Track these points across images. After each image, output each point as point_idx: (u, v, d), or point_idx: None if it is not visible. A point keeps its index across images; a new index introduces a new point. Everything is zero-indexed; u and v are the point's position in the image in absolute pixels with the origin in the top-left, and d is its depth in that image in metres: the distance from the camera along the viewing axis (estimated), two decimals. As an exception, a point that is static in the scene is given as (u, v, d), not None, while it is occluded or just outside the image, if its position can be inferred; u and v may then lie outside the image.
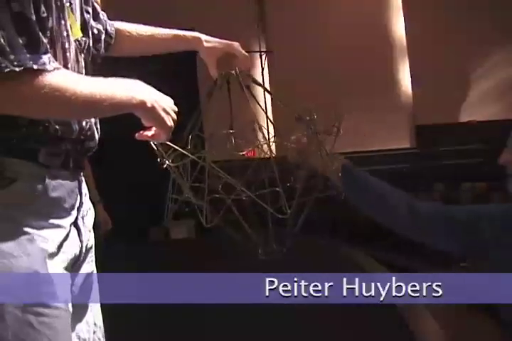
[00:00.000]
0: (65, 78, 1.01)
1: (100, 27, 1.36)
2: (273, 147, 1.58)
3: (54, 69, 0.99)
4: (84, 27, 1.29)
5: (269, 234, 1.35)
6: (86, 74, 1.23)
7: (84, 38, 1.22)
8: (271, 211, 1.27)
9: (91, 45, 1.31)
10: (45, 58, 0.99)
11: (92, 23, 1.34)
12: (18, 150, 1.06)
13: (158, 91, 1.15)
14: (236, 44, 1.50)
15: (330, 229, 5.86)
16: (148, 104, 1.10)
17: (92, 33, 1.33)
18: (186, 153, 1.25)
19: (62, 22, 1.08)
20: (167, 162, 1.24)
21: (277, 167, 1.43)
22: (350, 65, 7.01)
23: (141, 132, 1.18)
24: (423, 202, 1.52)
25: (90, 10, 1.32)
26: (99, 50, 1.37)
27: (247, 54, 1.50)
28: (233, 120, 1.39)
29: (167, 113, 1.14)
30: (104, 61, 1.43)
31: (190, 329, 2.67)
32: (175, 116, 1.16)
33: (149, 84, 1.14)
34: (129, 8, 1.36)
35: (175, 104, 1.17)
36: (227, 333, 2.59)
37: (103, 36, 1.37)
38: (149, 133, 1.17)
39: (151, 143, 1.29)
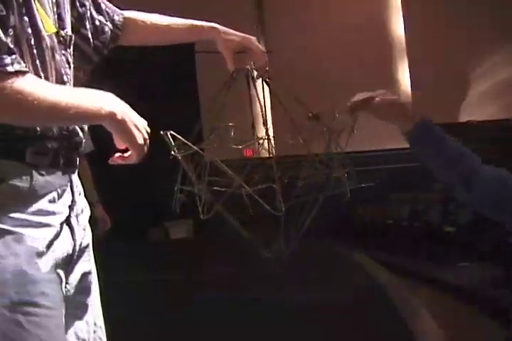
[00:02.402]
0: (29, 82, 0.99)
1: (102, 18, 1.34)
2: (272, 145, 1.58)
3: (16, 71, 0.97)
4: (80, 20, 1.27)
5: (280, 232, 1.35)
6: (78, 69, 1.21)
7: (69, 33, 1.19)
8: (267, 207, 1.27)
9: (90, 37, 1.30)
10: (8, 59, 0.96)
11: (95, 14, 1.32)
12: (5, 150, 1.05)
13: (131, 109, 1.11)
14: (253, 38, 1.49)
15: (330, 230, 5.86)
16: (118, 116, 1.06)
17: (94, 25, 1.32)
18: (190, 144, 1.25)
19: (25, 18, 1.04)
20: (172, 152, 1.25)
21: (277, 166, 1.43)
22: (349, 65, 7.01)
23: (114, 156, 1.15)
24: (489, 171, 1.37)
25: (87, 2, 1.30)
26: (103, 41, 1.35)
27: (263, 49, 1.49)
28: (238, 116, 1.39)
29: (138, 130, 1.10)
30: (104, 61, 1.42)
31: (190, 328, 2.67)
32: (147, 136, 1.12)
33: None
34: (128, 9, 1.36)
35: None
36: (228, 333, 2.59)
37: (107, 27, 1.35)
38: (121, 155, 1.14)
39: (161, 132, 1.28)
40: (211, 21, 1.50)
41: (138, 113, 1.12)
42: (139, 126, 1.10)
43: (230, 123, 1.37)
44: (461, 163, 1.37)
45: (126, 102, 1.11)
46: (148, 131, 1.13)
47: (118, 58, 1.53)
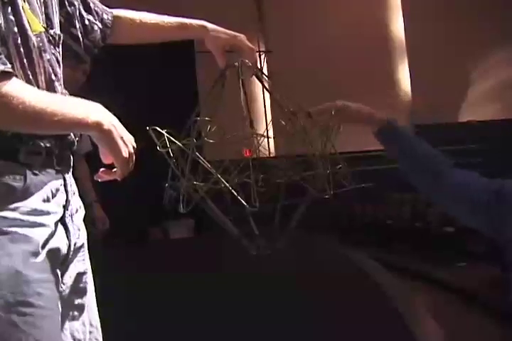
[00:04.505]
0: (14, 85, 0.97)
1: (91, 17, 1.34)
2: (271, 145, 1.58)
3: (1, 72, 0.95)
4: (69, 20, 1.27)
5: (273, 229, 1.35)
6: (64, 67, 1.20)
7: (57, 32, 1.18)
8: (243, 202, 1.26)
9: (80, 36, 1.30)
10: None
11: (84, 14, 1.32)
12: None
13: (119, 122, 1.08)
14: (242, 36, 1.49)
15: (330, 229, 5.87)
16: (105, 127, 1.04)
17: (83, 25, 1.32)
18: (173, 139, 1.25)
19: (11, 17, 1.03)
20: (158, 148, 1.24)
21: (270, 165, 1.43)
22: (349, 64, 7.02)
23: (100, 172, 1.14)
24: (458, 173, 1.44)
25: (76, 2, 1.30)
26: (93, 40, 1.35)
27: (253, 46, 1.49)
28: (239, 114, 1.38)
29: (125, 143, 1.07)
30: (104, 60, 1.42)
31: (191, 328, 2.67)
32: (132, 151, 1.09)
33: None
34: (127, 8, 1.36)
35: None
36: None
37: (96, 26, 1.35)
38: (106, 170, 1.13)
39: (147, 128, 1.27)
40: (211, 20, 1.50)
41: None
42: (126, 139, 1.08)
43: (207, 118, 1.35)
44: (427, 164, 1.46)
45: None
46: (135, 146, 1.11)
47: (116, 58, 1.53)
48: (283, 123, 1.40)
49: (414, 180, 1.50)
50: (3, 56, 0.98)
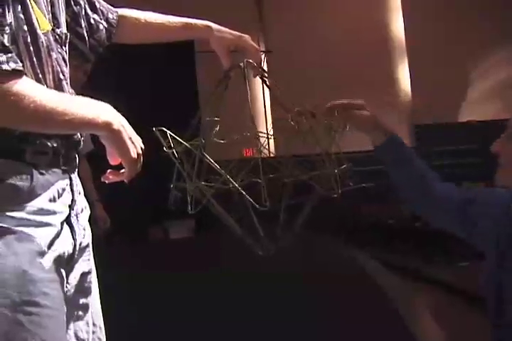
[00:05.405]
0: (25, 84, 0.97)
1: (97, 17, 1.35)
2: (271, 145, 1.58)
3: (12, 70, 0.95)
4: (75, 19, 1.28)
5: (277, 229, 1.35)
6: (70, 66, 1.20)
7: (64, 31, 1.18)
8: (252, 202, 1.26)
9: (86, 35, 1.30)
10: (3, 57, 0.94)
11: (89, 13, 1.33)
12: (5, 150, 1.04)
13: (128, 123, 1.09)
14: (246, 36, 1.49)
15: (331, 228, 5.86)
16: (115, 127, 1.05)
17: (89, 24, 1.32)
18: (180, 140, 1.25)
19: (21, 15, 1.03)
20: (165, 149, 1.24)
21: (273, 165, 1.43)
22: (349, 64, 7.01)
23: (107, 173, 1.15)
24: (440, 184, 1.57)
25: (82, 1, 1.30)
26: (98, 40, 1.35)
27: (257, 47, 1.49)
28: (242, 114, 1.39)
29: (133, 144, 1.08)
30: (105, 59, 1.42)
31: (192, 328, 2.67)
32: (140, 152, 1.10)
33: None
34: (129, 7, 1.36)
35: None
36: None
37: (102, 25, 1.36)
38: (114, 171, 1.14)
39: (154, 129, 1.27)
40: (211, 20, 1.51)
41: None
42: (134, 140, 1.09)
43: (216, 118, 1.35)
44: (420, 180, 1.57)
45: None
46: (143, 147, 1.12)
47: (114, 57, 1.52)
48: (292, 123, 1.40)
49: (405, 192, 1.60)
50: (14, 54, 0.97)
